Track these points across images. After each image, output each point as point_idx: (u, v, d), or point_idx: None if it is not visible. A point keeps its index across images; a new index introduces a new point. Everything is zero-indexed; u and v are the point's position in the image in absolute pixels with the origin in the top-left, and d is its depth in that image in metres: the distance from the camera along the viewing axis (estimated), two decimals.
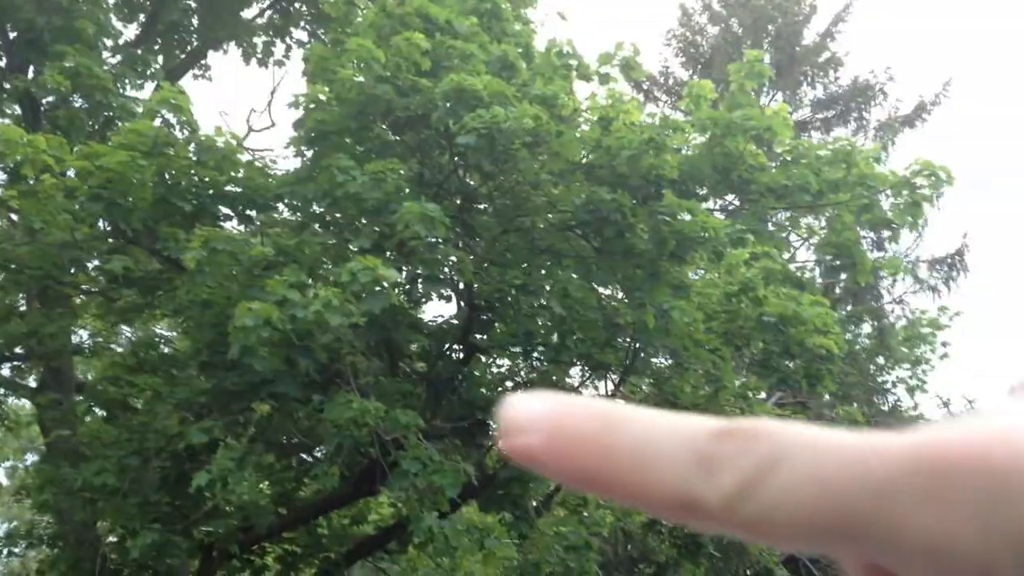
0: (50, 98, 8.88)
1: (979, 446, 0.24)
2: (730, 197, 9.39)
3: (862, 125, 18.44)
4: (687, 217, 7.55)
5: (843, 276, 9.91)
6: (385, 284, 6.37)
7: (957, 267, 16.83)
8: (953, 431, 0.25)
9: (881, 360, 15.92)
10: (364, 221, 7.34)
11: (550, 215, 8.06)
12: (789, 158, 8.86)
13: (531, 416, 0.26)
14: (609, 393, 9.19)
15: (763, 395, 11.07)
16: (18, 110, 9.70)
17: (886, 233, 10.45)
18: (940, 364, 15.92)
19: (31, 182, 6.81)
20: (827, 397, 11.65)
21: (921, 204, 8.57)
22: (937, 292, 16.83)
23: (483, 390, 8.81)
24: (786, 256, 12.42)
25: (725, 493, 0.25)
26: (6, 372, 9.51)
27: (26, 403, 10.92)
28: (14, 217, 7.91)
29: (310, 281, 6.68)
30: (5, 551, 9.41)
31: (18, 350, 8.85)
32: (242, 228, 7.88)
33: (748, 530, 0.25)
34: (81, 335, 9.98)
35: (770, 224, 10.90)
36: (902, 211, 8.62)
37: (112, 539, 8.23)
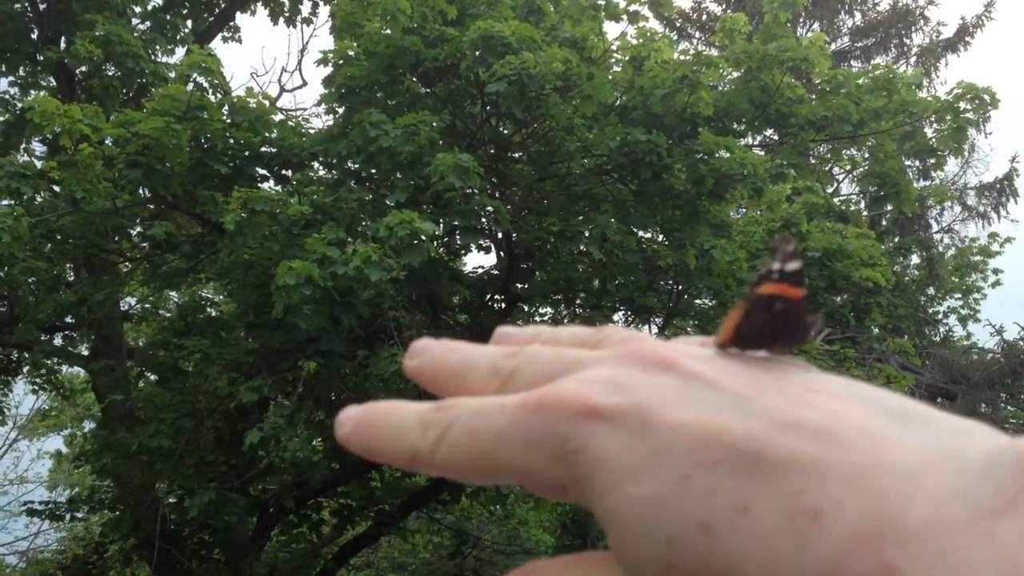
0: (83, 68, 8.93)
1: (544, 397, 0.33)
2: (769, 132, 9.25)
3: (903, 52, 17.99)
4: (725, 154, 7.45)
5: (889, 207, 9.73)
6: (423, 237, 6.37)
7: (1006, 192, 16.45)
8: (544, 389, 0.34)
9: (931, 291, 15.70)
10: (399, 175, 7.33)
11: (585, 160, 7.99)
12: (828, 88, 8.69)
13: (346, 415, 0.38)
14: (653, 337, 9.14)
15: None
16: (53, 82, 9.77)
17: (931, 161, 10.22)
18: (992, 292, 15.72)
19: (69, 152, 6.87)
20: (877, 330, 11.52)
21: (965, 129, 8.38)
22: (987, 219, 16.50)
23: None
24: (830, 189, 12.25)
25: (429, 445, 0.35)
26: (58, 341, 9.68)
27: (80, 371, 11.13)
28: (56, 188, 8.00)
29: (349, 238, 6.70)
30: (68, 516, 9.65)
31: (68, 319, 9.00)
32: (279, 188, 7.91)
33: (442, 471, 0.35)
34: (129, 301, 10.13)
35: (811, 158, 10.73)
36: (946, 137, 8.44)
37: (171, 500, 8.41)
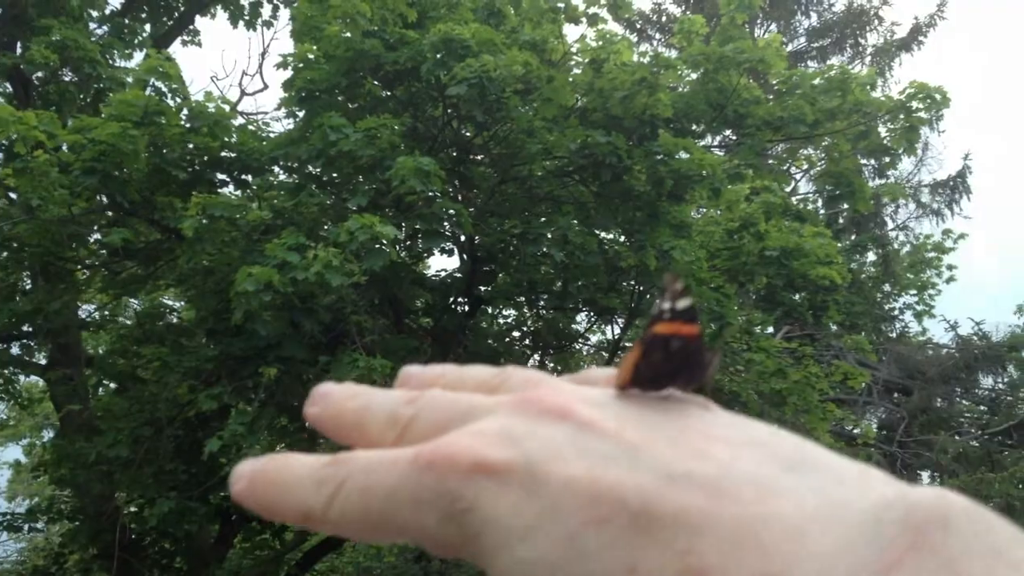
0: (39, 74, 8.81)
1: (435, 453, 0.32)
2: (727, 132, 9.34)
3: (858, 52, 18.25)
4: (684, 155, 7.51)
5: (844, 205, 9.88)
6: (384, 241, 6.35)
7: (959, 189, 16.74)
8: (435, 444, 0.33)
9: (887, 287, 15.93)
10: (361, 179, 7.31)
11: (546, 162, 8.02)
12: (784, 89, 8.79)
13: (241, 471, 0.36)
14: (616, 337, 9.22)
15: (771, 329, 11.09)
16: (9, 88, 9.63)
17: (886, 159, 10.39)
18: (946, 288, 15.98)
19: (25, 159, 6.77)
20: (834, 327, 11.66)
21: (917, 128, 8.53)
22: (940, 216, 16.78)
23: (489, 341, 8.83)
24: (788, 189, 12.38)
25: (322, 503, 0.33)
26: (15, 350, 9.53)
27: (39, 380, 10.97)
28: (13, 196, 7.88)
29: (311, 242, 6.67)
30: (26, 527, 9.50)
31: (26, 328, 8.87)
32: (239, 193, 7.85)
33: (338, 530, 0.33)
34: (88, 309, 10.00)
35: (769, 158, 10.84)
36: (899, 136, 8.58)
37: (132, 509, 8.32)
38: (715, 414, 0.34)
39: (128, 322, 9.85)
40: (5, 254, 7.93)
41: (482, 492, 0.31)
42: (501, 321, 9.86)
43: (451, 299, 8.91)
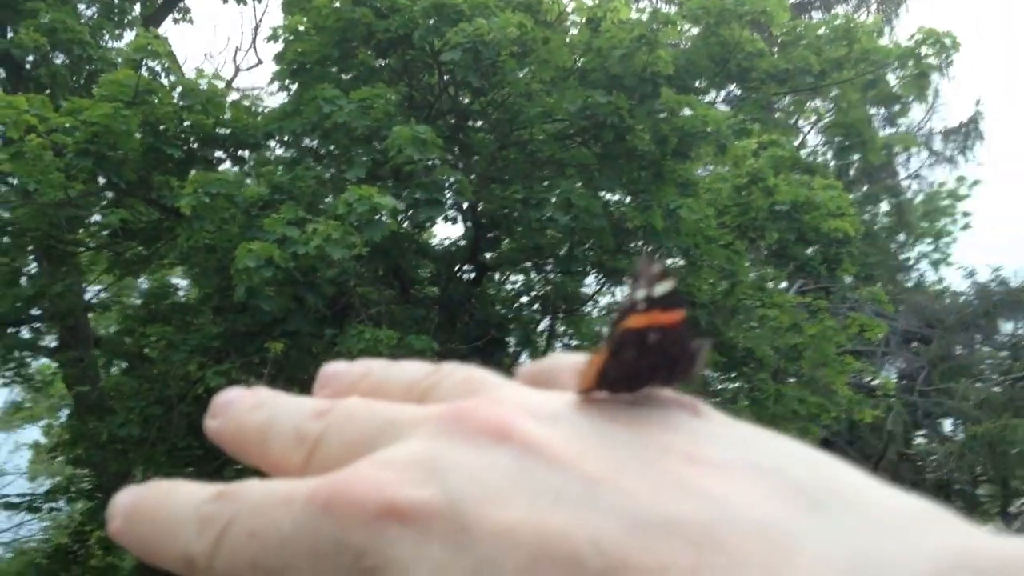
0: (30, 57, 8.74)
1: (335, 492, 0.25)
2: (732, 87, 9.20)
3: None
4: (687, 112, 7.39)
5: (856, 156, 9.73)
6: (383, 212, 6.29)
7: (972, 135, 16.45)
8: (336, 478, 0.26)
9: (902, 237, 15.77)
10: (360, 151, 7.23)
11: (547, 125, 7.91)
12: (788, 41, 8.63)
13: (118, 504, 0.29)
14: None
15: (784, 284, 10.98)
16: (2, 73, 9.57)
17: (896, 108, 10.22)
18: (962, 235, 15.82)
19: (18, 144, 6.72)
20: (849, 280, 11.53)
21: (927, 74, 8.36)
22: (954, 163, 16.52)
23: (497, 307, 8.78)
24: (796, 142, 12.22)
25: (205, 549, 0.26)
26: (26, 334, 9.57)
27: (52, 362, 11.05)
28: (14, 181, 7.85)
29: (310, 216, 6.61)
30: (47, 507, 9.61)
31: (35, 312, 8.90)
32: (236, 170, 7.79)
33: None
34: (95, 290, 10.02)
35: (776, 111, 10.68)
36: (909, 83, 8.42)
37: None
38: (706, 422, 0.26)
39: (136, 301, 9.88)
40: (6, 239, 7.92)
41: (394, 545, 0.23)
42: (508, 287, 9.79)
43: (456, 267, 8.84)
